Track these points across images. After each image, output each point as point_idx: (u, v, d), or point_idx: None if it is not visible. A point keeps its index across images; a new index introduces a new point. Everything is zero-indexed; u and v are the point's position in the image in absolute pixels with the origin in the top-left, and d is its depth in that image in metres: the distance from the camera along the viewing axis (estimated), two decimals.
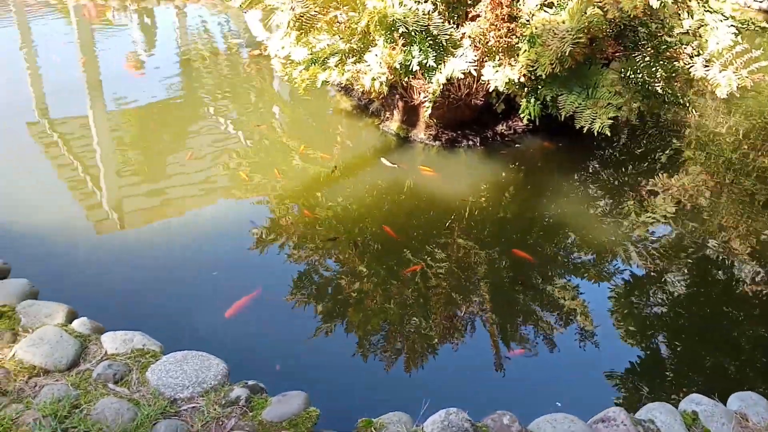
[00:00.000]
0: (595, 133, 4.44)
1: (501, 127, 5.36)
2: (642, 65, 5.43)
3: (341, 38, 4.51)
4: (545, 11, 4.48)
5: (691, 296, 3.90)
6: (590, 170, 5.35)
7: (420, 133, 5.22)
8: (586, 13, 4.28)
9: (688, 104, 5.73)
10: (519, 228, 4.48)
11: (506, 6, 4.26)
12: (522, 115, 5.07)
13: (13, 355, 2.64)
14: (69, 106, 5.98)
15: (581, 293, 3.80)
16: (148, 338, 2.85)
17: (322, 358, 3.24)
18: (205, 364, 2.70)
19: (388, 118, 5.44)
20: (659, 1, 4.42)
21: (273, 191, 4.67)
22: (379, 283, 3.78)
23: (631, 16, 4.38)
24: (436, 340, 3.38)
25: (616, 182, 5.15)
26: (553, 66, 4.32)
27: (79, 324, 2.85)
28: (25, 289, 3.02)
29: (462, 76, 4.39)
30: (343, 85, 5.50)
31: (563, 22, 4.23)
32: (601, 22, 4.29)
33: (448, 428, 2.46)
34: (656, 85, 5.47)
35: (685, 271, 4.13)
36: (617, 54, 5.59)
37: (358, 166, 4.99)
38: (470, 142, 5.21)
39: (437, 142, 5.16)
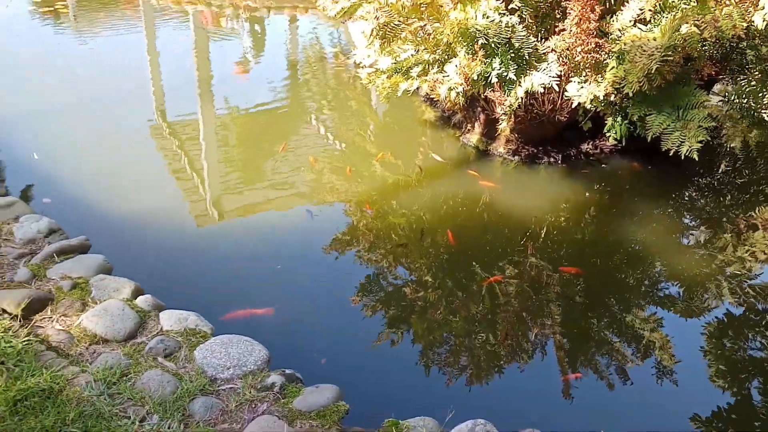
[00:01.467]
0: (682, 157, 4.21)
1: (586, 146, 5.19)
2: (748, 90, 5.13)
3: (425, 49, 4.56)
4: (638, 27, 4.32)
5: None
6: (684, 197, 5.07)
7: (499, 147, 5.16)
8: (680, 30, 4.10)
9: None
10: (598, 251, 4.30)
11: (594, 21, 4.15)
12: (607, 135, 4.90)
13: (80, 323, 2.88)
14: (183, 106, 6.39)
15: (657, 325, 3.60)
16: (201, 319, 3.02)
17: (364, 357, 3.29)
18: (248, 349, 2.82)
19: (468, 130, 5.42)
20: (765, 21, 4.15)
21: (349, 193, 4.79)
22: (439, 292, 3.77)
23: (730, 36, 4.13)
24: (488, 355, 3.34)
25: (712, 212, 4.84)
26: (641, 84, 4.16)
27: (143, 300, 3.07)
28: (100, 264, 3.29)
29: (542, 90, 4.31)
30: (428, 96, 5.55)
31: (654, 39, 4.06)
32: (695, 40, 4.09)
33: None
34: (763, 111, 5.14)
35: None
36: (721, 76, 5.29)
37: (433, 176, 5.00)
38: (551, 159, 5.08)
39: (516, 157, 5.08)
